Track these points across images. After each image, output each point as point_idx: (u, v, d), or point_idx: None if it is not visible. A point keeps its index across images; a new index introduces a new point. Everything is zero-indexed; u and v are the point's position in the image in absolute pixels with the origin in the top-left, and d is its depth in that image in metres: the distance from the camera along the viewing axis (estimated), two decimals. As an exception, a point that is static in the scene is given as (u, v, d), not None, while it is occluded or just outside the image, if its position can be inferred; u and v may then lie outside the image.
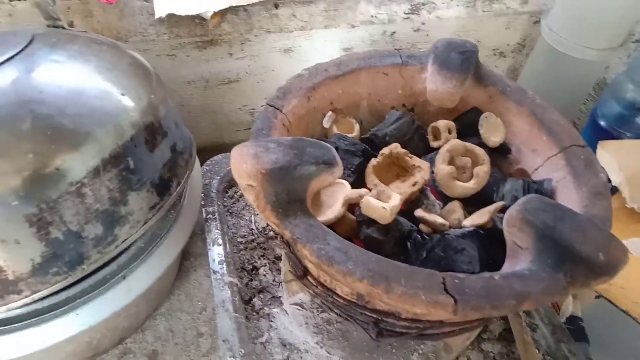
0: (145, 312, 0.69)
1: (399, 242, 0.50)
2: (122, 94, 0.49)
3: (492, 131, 0.61)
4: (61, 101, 0.45)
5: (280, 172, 0.45)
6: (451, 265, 0.46)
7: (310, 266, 0.53)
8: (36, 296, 0.45)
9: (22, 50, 0.49)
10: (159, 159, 0.53)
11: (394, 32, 0.94)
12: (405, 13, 0.91)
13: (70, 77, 0.48)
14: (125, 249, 0.53)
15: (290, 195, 0.46)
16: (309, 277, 0.54)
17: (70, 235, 0.45)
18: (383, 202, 0.48)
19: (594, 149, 0.74)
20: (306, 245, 0.43)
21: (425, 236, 0.49)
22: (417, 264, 0.47)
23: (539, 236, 0.43)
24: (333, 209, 0.54)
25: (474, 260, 0.45)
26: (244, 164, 0.46)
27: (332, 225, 0.51)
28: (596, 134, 0.88)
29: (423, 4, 0.91)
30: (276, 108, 0.59)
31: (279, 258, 0.78)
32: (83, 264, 0.47)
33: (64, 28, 0.59)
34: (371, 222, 0.49)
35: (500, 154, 0.62)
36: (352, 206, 0.55)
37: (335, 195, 0.56)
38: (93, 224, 0.46)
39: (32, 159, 0.41)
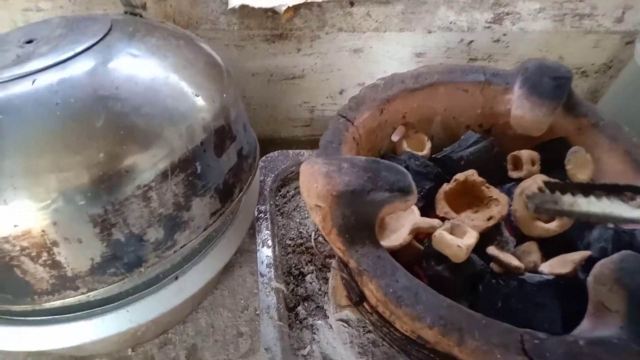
0: (190, 308, 0.69)
1: (468, 281, 0.47)
2: (196, 95, 0.47)
3: (579, 167, 0.56)
4: (136, 99, 0.43)
5: (351, 196, 0.42)
6: (529, 320, 0.42)
7: (368, 294, 0.50)
8: (92, 294, 0.44)
9: (102, 39, 0.47)
10: (226, 164, 0.51)
11: (472, 41, 0.88)
12: (486, 22, 0.85)
13: (146, 73, 0.46)
14: (180, 249, 0.52)
15: (358, 220, 0.43)
16: (365, 305, 0.51)
17: (132, 238, 0.44)
18: (458, 239, 0.45)
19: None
20: (373, 280, 0.41)
21: (501, 281, 0.45)
22: (491, 313, 0.43)
23: (635, 302, 0.38)
24: (398, 235, 0.50)
25: (556, 320, 0.41)
26: (314, 183, 0.43)
27: (394, 251, 0.48)
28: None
29: (507, 14, 0.85)
30: (348, 119, 0.56)
31: (326, 266, 0.76)
32: (140, 266, 0.46)
33: (141, 16, 0.58)
34: (441, 258, 0.46)
35: (584, 192, 0.57)
36: (419, 233, 0.51)
37: (401, 220, 0.53)
38: (155, 228, 0.45)
39: (103, 158, 0.40)
